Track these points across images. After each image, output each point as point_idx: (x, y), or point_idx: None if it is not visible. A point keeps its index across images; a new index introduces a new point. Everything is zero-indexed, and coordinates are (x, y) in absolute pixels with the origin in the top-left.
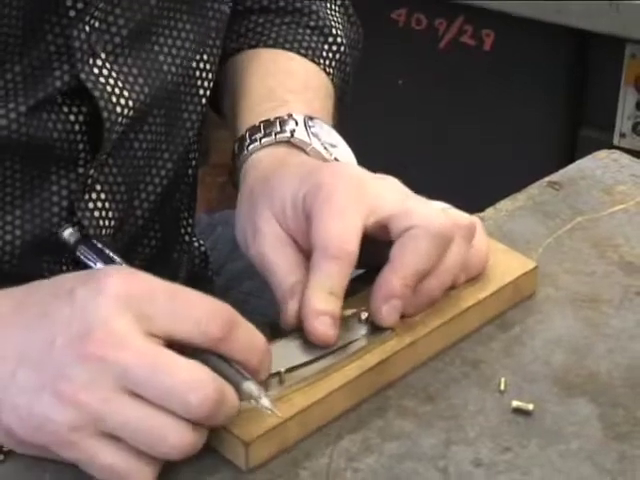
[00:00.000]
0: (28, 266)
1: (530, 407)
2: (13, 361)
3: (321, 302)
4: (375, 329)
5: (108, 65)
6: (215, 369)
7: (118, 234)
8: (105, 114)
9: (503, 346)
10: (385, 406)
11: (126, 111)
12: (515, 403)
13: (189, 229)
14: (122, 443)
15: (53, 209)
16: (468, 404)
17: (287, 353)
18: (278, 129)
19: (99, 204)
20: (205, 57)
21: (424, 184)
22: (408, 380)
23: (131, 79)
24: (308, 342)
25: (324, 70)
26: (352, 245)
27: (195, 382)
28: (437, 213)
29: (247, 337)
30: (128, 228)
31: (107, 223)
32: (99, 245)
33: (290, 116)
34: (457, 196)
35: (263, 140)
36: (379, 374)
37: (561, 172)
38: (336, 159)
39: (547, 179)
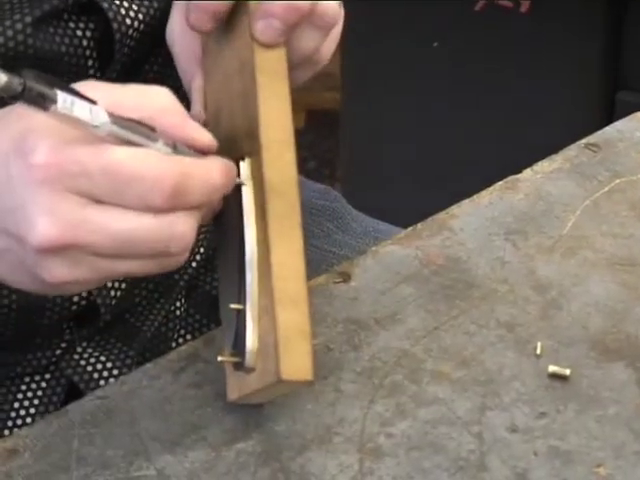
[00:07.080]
0: None
1: (567, 372)
2: None
3: None
4: None
5: None
6: None
7: None
8: (115, 25)
9: (539, 309)
10: (419, 371)
11: (136, 24)
12: (552, 368)
13: None
14: None
15: None
16: (503, 369)
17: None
18: None
19: None
20: None
21: (460, 146)
22: (442, 344)
23: None
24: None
25: None
26: None
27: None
28: None
29: (202, 188)
30: None
31: None
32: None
33: None
34: (493, 161)
35: None
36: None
37: (598, 133)
38: None
39: (584, 140)
